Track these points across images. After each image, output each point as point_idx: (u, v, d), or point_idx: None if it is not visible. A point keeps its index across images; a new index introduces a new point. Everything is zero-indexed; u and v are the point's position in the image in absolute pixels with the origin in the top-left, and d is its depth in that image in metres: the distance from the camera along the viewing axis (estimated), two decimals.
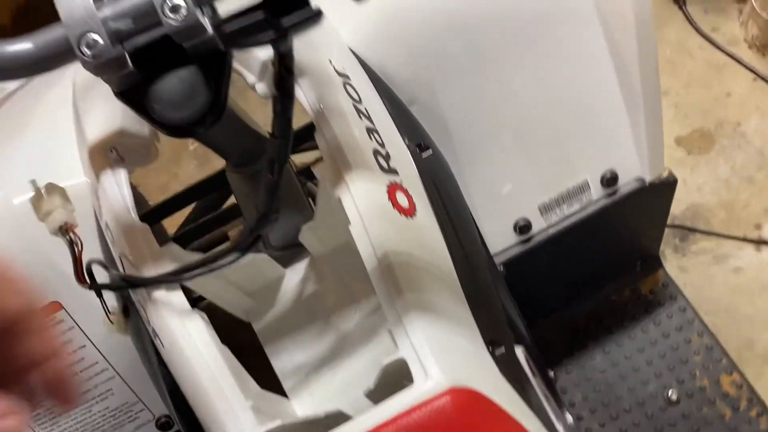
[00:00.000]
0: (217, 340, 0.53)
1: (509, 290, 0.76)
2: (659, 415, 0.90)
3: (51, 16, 0.39)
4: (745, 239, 1.36)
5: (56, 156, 0.70)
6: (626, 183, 0.80)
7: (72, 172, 0.67)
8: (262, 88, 0.60)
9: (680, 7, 1.62)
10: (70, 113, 0.69)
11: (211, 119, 0.43)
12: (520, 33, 0.70)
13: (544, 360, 0.78)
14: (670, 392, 0.91)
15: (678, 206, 1.41)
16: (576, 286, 0.92)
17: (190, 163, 1.61)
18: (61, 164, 0.69)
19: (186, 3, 0.37)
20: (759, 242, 1.35)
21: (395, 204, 0.55)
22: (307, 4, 0.36)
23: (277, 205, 0.48)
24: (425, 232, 0.57)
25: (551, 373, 0.80)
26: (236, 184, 0.77)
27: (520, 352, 0.68)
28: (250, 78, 0.60)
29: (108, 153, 0.59)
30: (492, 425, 0.49)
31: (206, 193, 0.84)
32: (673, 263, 1.36)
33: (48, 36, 0.42)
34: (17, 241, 0.67)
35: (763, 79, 1.50)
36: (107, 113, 0.61)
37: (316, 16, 0.36)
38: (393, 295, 0.48)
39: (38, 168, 0.71)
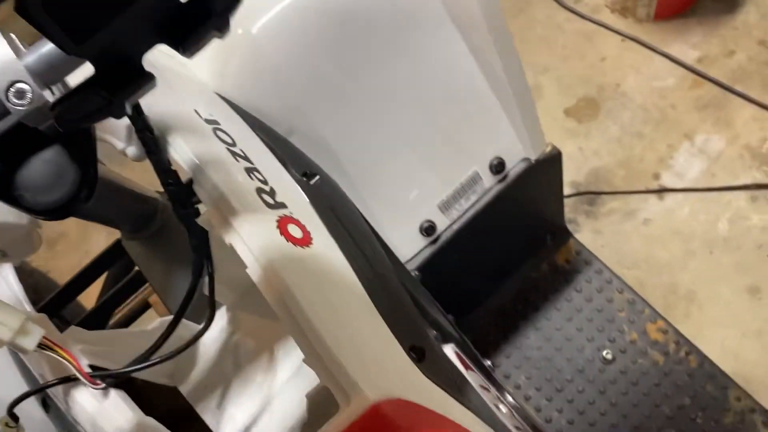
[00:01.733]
0: (140, 414, 0.52)
1: (429, 292, 0.77)
2: (599, 377, 0.93)
3: None
4: (647, 191, 1.43)
5: None
6: (514, 166, 0.83)
7: None
8: (132, 151, 0.59)
9: None
10: None
11: (84, 196, 0.42)
12: (380, 45, 0.72)
13: (480, 351, 0.80)
14: (605, 353, 0.95)
15: (580, 173, 1.47)
16: (494, 273, 0.95)
17: (100, 235, 1.56)
18: None
19: (31, 86, 0.36)
20: (660, 191, 1.42)
21: (288, 237, 0.55)
22: (139, 72, 0.35)
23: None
24: (325, 258, 0.57)
25: (488, 363, 0.82)
26: (135, 251, 0.76)
27: (449, 350, 0.69)
28: (119, 144, 0.59)
29: None
30: (424, 428, 0.50)
31: (109, 265, 0.82)
32: (587, 228, 1.42)
33: None
34: None
35: (630, 39, 1.59)
36: None
37: (150, 80, 0.35)
38: (302, 327, 0.48)
39: None
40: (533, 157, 0.84)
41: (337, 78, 0.72)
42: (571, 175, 1.47)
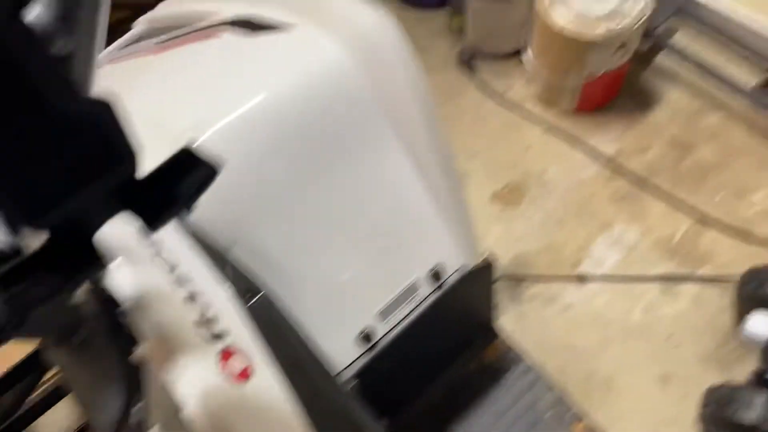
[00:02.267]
0: None
1: (365, 395, 0.77)
2: None
3: None
4: (568, 277, 1.49)
5: None
6: (451, 274, 0.85)
7: None
8: None
9: (473, 75, 1.78)
10: None
11: (11, 328, 0.40)
12: (325, 158, 0.73)
13: None
14: None
15: (505, 257, 1.52)
16: (426, 372, 0.95)
17: None
18: None
19: None
20: (580, 278, 1.49)
21: (228, 373, 0.54)
22: (87, 247, 0.34)
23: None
24: (265, 393, 0.56)
25: None
26: (61, 359, 0.71)
27: None
28: None
29: None
30: None
31: (12, 384, 0.76)
32: (512, 311, 1.46)
33: None
34: None
35: (553, 129, 1.68)
36: None
37: (98, 264, 0.34)
38: None
39: None
40: (469, 265, 0.86)
41: (281, 190, 0.72)
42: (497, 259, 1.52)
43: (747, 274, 1.32)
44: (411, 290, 0.82)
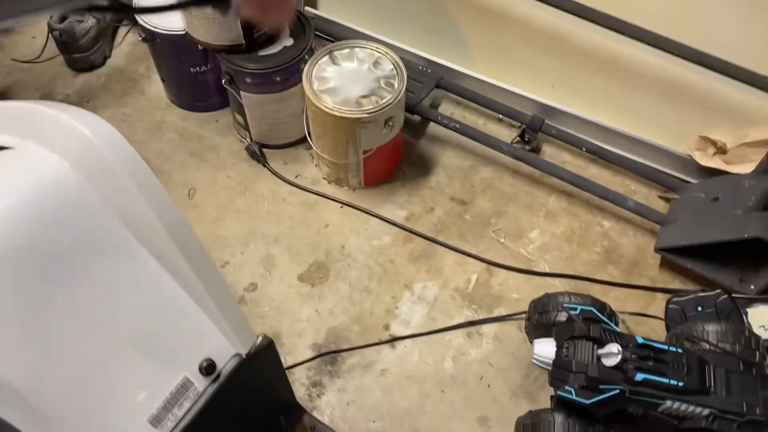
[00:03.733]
0: None
1: None
2: None
3: None
4: (380, 342, 1.54)
5: None
6: (225, 364, 0.85)
7: None
8: None
9: (264, 165, 1.84)
10: None
11: None
12: (64, 275, 0.72)
13: None
14: None
15: (319, 335, 1.55)
16: None
17: None
18: None
19: None
20: (391, 340, 1.55)
21: None
22: None
23: None
24: None
25: None
26: None
27: None
28: None
29: None
30: None
31: None
32: (332, 388, 1.47)
33: None
34: None
35: (347, 205, 1.77)
36: None
37: None
38: None
39: None
40: (243, 351, 0.87)
41: (20, 314, 0.70)
42: (311, 338, 1.54)
43: (531, 306, 1.46)
44: (183, 389, 0.82)
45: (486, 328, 1.57)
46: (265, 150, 1.86)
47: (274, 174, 1.83)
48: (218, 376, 0.85)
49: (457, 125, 1.81)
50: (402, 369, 1.51)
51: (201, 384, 0.84)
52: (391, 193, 1.80)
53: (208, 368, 0.84)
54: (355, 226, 1.74)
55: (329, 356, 1.52)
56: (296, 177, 1.83)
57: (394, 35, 1.97)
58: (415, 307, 1.60)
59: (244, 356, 0.87)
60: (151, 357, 0.80)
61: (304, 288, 1.63)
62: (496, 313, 1.59)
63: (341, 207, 1.77)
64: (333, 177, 1.80)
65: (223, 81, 1.69)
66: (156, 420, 0.80)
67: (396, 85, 1.60)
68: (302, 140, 1.85)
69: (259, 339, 0.91)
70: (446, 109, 1.98)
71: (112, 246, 0.76)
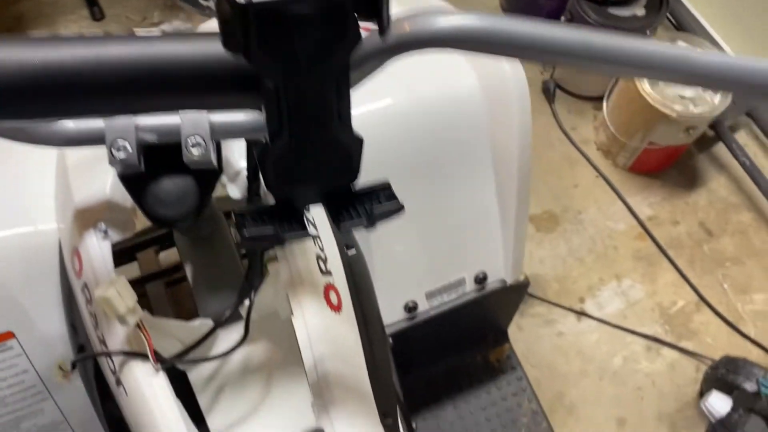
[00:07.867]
0: (175, 398, 0.66)
1: (392, 352, 0.95)
2: None
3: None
4: (570, 309, 1.66)
5: (24, 201, 0.79)
6: (492, 282, 1.02)
7: (41, 218, 0.76)
8: (233, 190, 0.74)
9: (549, 105, 1.92)
10: (38, 164, 0.78)
11: (192, 218, 0.55)
12: (433, 168, 0.89)
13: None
14: None
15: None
16: (441, 351, 1.13)
17: None
18: (31, 210, 0.78)
19: (204, 142, 0.46)
20: (580, 313, 1.66)
21: (328, 302, 0.72)
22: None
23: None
24: (347, 326, 0.74)
25: (414, 425, 1.00)
26: (183, 248, 0.89)
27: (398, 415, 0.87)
28: (223, 178, 0.74)
29: (97, 225, 0.69)
30: None
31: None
32: (513, 321, 1.63)
33: (89, 125, 0.48)
34: None
35: (603, 177, 1.83)
36: (97, 185, 0.71)
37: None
38: (319, 378, 0.64)
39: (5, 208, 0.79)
40: (509, 281, 1.03)
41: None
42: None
43: (722, 359, 1.50)
44: (457, 284, 1.00)
45: (667, 351, 1.64)
46: (558, 92, 1.94)
47: (554, 116, 1.91)
48: (483, 288, 1.03)
49: (747, 162, 1.77)
50: (577, 341, 1.63)
51: (470, 287, 1.01)
52: (648, 188, 1.84)
53: (481, 279, 1.01)
54: (600, 200, 1.81)
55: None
56: (572, 129, 1.90)
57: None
58: (615, 298, 1.69)
59: (507, 284, 1.04)
60: (450, 248, 0.98)
61: (529, 228, 1.76)
62: (683, 345, 1.64)
63: (597, 176, 1.84)
64: (605, 147, 1.85)
65: (563, 17, 1.76)
66: (430, 294, 0.99)
67: (717, 99, 1.59)
68: (596, 99, 1.89)
69: (523, 277, 1.06)
70: (742, 136, 1.92)
71: (473, 156, 0.92)
